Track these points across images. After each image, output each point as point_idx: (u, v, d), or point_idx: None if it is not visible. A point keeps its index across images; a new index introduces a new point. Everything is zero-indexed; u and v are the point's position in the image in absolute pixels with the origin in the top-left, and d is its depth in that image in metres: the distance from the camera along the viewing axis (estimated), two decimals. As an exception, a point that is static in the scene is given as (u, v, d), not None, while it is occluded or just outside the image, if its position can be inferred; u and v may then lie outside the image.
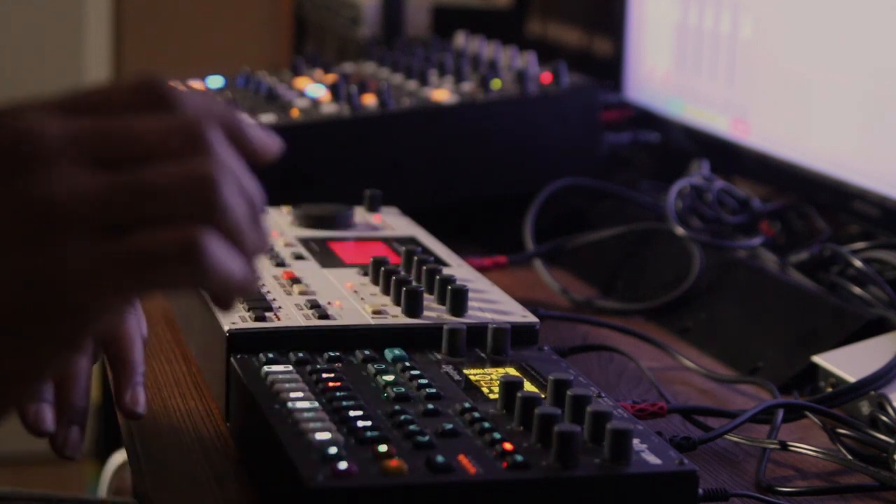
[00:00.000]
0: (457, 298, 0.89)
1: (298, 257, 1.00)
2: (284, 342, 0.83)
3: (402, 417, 0.72)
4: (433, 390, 0.77)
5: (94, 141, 0.51)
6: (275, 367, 0.79)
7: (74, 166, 0.50)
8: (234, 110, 0.56)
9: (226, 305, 0.53)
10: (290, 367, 0.80)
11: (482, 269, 1.10)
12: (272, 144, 0.58)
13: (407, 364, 0.81)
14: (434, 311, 0.89)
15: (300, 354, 0.82)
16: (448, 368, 0.82)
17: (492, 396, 0.77)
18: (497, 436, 0.70)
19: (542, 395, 0.74)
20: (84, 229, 0.50)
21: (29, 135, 0.50)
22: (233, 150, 0.54)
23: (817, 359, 1.00)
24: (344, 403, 0.74)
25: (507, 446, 0.69)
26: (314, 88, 1.41)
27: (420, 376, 0.79)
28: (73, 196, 0.50)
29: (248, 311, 0.86)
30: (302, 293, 0.91)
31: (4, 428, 0.91)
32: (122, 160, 0.51)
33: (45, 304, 0.51)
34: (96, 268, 0.50)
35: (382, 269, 0.93)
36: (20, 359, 0.52)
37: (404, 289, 0.88)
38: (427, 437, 0.69)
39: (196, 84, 1.49)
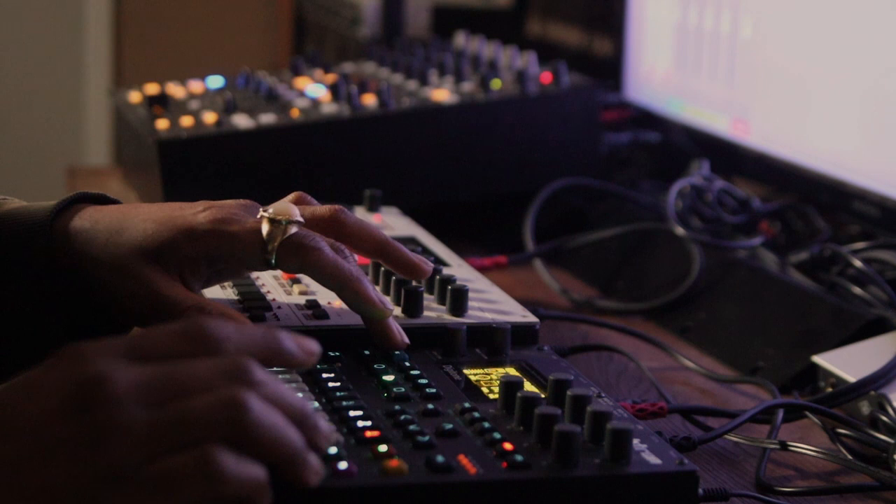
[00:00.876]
0: (457, 298, 0.89)
1: (298, 257, 1.00)
2: (284, 342, 0.83)
3: (402, 417, 0.72)
4: (433, 390, 0.77)
5: (151, 388, 0.59)
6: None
7: (132, 408, 0.58)
8: (271, 332, 0.64)
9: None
10: (290, 367, 0.80)
11: (482, 269, 1.10)
12: (309, 349, 0.65)
13: (407, 364, 0.81)
14: (434, 311, 0.89)
15: (300, 354, 0.81)
16: (448, 368, 0.82)
17: (492, 396, 0.77)
18: (497, 436, 0.70)
19: (542, 395, 0.74)
20: (133, 463, 0.57)
21: (101, 381, 0.58)
22: (270, 370, 0.63)
23: (817, 359, 1.00)
24: (344, 403, 0.74)
25: (507, 446, 0.69)
26: (314, 88, 1.41)
27: (420, 376, 0.79)
28: (124, 432, 0.57)
29: (248, 311, 0.86)
30: (301, 293, 0.91)
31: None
32: (171, 398, 0.59)
33: None
34: (132, 494, 0.57)
35: (382, 269, 0.93)
36: None
37: (404, 289, 0.88)
38: (427, 437, 0.69)
39: (196, 84, 1.50)
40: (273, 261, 0.81)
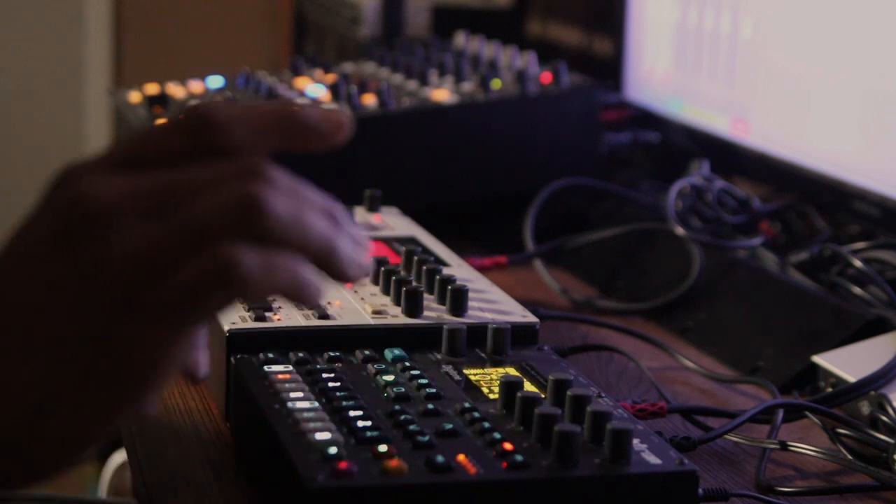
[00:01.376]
0: (457, 298, 0.89)
1: (298, 257, 1.00)
2: (284, 342, 0.83)
3: (402, 417, 0.72)
4: (433, 390, 0.77)
5: (148, 200, 0.53)
6: (275, 367, 0.79)
7: (131, 225, 0.52)
8: (286, 106, 0.57)
9: (306, 304, 0.54)
10: (290, 367, 0.80)
11: (482, 269, 1.10)
12: (337, 119, 0.58)
13: (407, 364, 0.81)
14: (434, 311, 0.89)
15: (300, 354, 0.82)
16: (448, 368, 0.82)
17: (492, 396, 0.77)
18: (497, 436, 0.70)
19: (542, 395, 0.74)
20: (140, 284, 0.52)
21: (89, 201, 0.52)
22: (294, 148, 0.56)
23: (817, 359, 1.00)
24: (344, 403, 0.74)
25: (507, 446, 0.69)
26: (314, 88, 1.41)
27: (420, 376, 0.79)
28: (126, 254, 0.52)
29: (248, 311, 0.86)
30: (302, 293, 0.90)
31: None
32: (173, 205, 0.53)
33: (116, 354, 0.53)
34: (150, 317, 0.52)
35: (382, 269, 0.93)
36: (105, 410, 0.55)
37: (404, 289, 0.88)
38: (427, 437, 0.69)
39: (196, 84, 1.50)
40: None
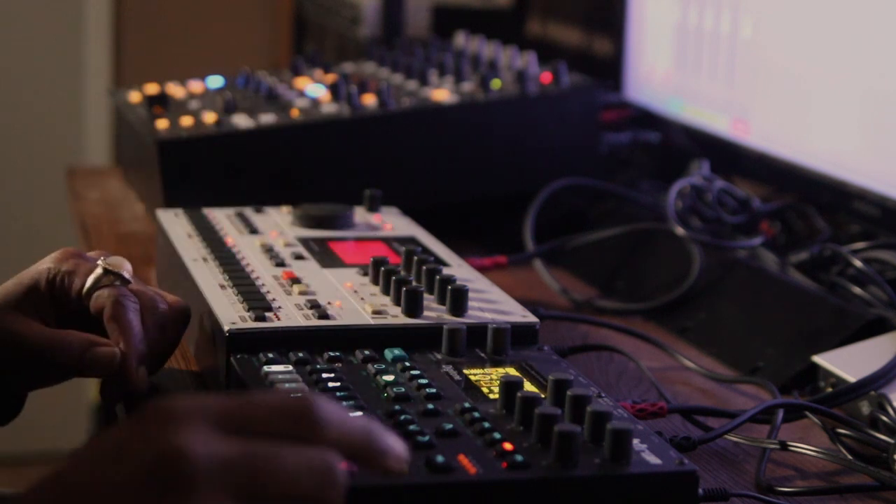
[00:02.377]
0: (457, 298, 0.89)
1: (298, 257, 1.00)
2: (284, 342, 0.83)
3: (402, 417, 0.72)
4: (433, 390, 0.77)
5: (241, 474, 0.57)
6: (275, 367, 0.79)
7: (214, 496, 0.56)
8: (371, 427, 0.62)
9: None
10: (290, 367, 0.80)
11: (482, 269, 1.10)
12: (401, 455, 0.62)
13: (407, 364, 0.81)
14: (434, 311, 0.89)
15: (300, 354, 0.82)
16: (448, 368, 0.82)
17: (492, 396, 0.77)
18: (497, 436, 0.70)
19: (542, 395, 0.74)
20: None
21: (183, 458, 0.56)
22: (363, 464, 0.61)
23: (817, 359, 1.00)
24: (344, 403, 0.74)
25: (507, 446, 0.69)
26: (314, 88, 1.41)
27: (420, 376, 0.79)
28: None
29: (248, 311, 0.86)
30: (302, 293, 0.91)
31: (4, 428, 0.91)
32: (259, 494, 0.57)
33: None
34: None
35: (382, 269, 0.93)
36: None
37: (404, 289, 0.88)
38: (427, 437, 0.69)
39: (196, 84, 1.50)
40: (87, 303, 0.87)
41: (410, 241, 1.06)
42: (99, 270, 0.88)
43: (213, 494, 0.56)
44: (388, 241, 1.06)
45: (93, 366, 0.85)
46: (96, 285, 0.87)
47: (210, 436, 0.57)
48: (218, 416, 0.58)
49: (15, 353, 0.86)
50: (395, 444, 0.62)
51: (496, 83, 1.38)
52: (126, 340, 0.85)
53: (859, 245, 1.15)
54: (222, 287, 0.91)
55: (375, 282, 0.94)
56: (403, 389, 0.77)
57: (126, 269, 0.89)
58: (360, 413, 0.63)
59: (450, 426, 0.71)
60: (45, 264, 0.90)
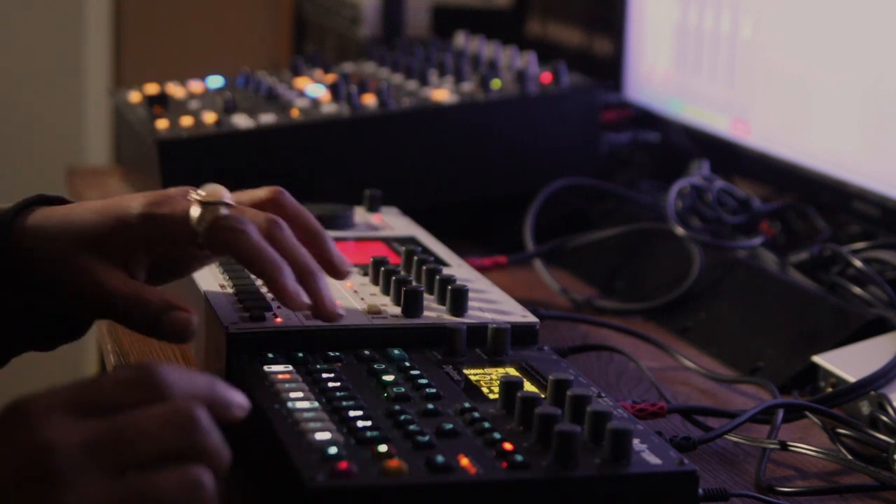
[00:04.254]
0: (457, 298, 0.89)
1: (298, 257, 1.00)
2: (284, 342, 0.83)
3: (402, 417, 0.72)
4: (433, 390, 0.77)
5: (105, 450, 0.59)
6: (275, 367, 0.79)
7: (87, 478, 0.58)
8: (214, 381, 0.64)
9: None
10: (290, 367, 0.80)
11: (482, 269, 1.10)
12: (242, 404, 0.65)
13: (407, 364, 0.81)
14: (434, 311, 0.89)
15: (300, 354, 0.82)
16: (448, 368, 0.82)
17: (492, 396, 0.77)
18: (497, 436, 0.70)
19: (542, 395, 0.74)
20: None
21: (47, 453, 0.58)
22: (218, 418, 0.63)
23: (817, 359, 1.00)
24: (344, 403, 0.74)
25: (507, 446, 0.69)
26: (314, 88, 1.41)
27: (420, 376, 0.79)
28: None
29: (248, 311, 0.86)
30: (302, 293, 0.90)
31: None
32: (128, 463, 0.59)
33: None
34: None
35: (382, 269, 0.93)
36: None
37: (404, 289, 0.88)
38: (427, 437, 0.69)
39: (196, 84, 1.49)
40: (201, 241, 0.82)
41: (410, 241, 1.06)
42: (197, 208, 0.82)
43: (86, 477, 0.58)
44: (388, 241, 1.06)
45: (168, 330, 0.81)
46: (204, 222, 0.82)
47: (67, 423, 0.59)
48: (69, 403, 0.60)
49: (91, 300, 0.82)
50: (237, 396, 0.64)
51: (496, 83, 1.38)
52: (284, 292, 0.81)
53: (859, 245, 1.15)
54: (222, 287, 0.91)
55: (375, 282, 0.94)
56: (403, 389, 0.77)
57: (225, 194, 0.83)
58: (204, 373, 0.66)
59: (450, 426, 0.71)
60: (133, 202, 0.84)
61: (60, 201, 0.88)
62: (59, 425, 0.59)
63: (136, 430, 0.60)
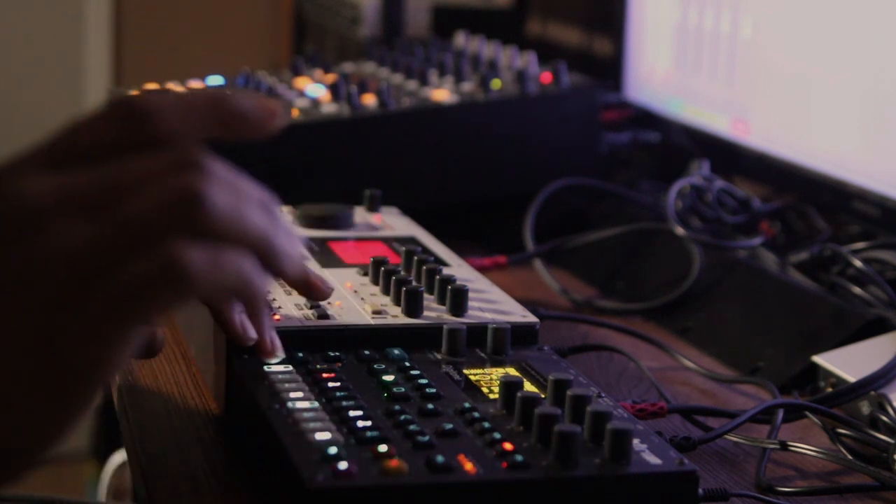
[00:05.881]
0: (457, 298, 0.89)
1: (298, 257, 1.00)
2: (284, 342, 0.83)
3: (402, 417, 0.72)
4: (433, 390, 0.77)
5: (83, 197, 0.52)
6: (275, 367, 0.79)
7: (66, 224, 0.51)
8: (218, 93, 0.56)
9: (252, 300, 0.55)
10: (290, 367, 0.80)
11: (482, 269, 1.10)
12: (270, 109, 0.57)
13: (407, 364, 0.81)
14: (434, 311, 0.89)
15: (300, 354, 0.82)
16: (448, 368, 0.82)
17: (492, 396, 0.77)
18: (497, 436, 0.70)
19: (542, 395, 0.74)
20: (81, 284, 0.51)
21: (19, 201, 0.51)
22: (227, 137, 0.55)
23: (817, 359, 1.00)
24: (344, 403, 0.74)
25: (507, 446, 0.69)
26: (314, 88, 1.41)
27: (420, 376, 0.79)
28: (66, 255, 0.51)
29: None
30: (302, 293, 0.90)
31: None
32: (109, 203, 0.52)
33: (61, 356, 0.52)
34: (94, 318, 0.51)
35: (382, 269, 0.93)
36: (61, 407, 0.53)
37: (404, 289, 0.88)
38: (427, 437, 0.69)
39: (196, 84, 1.49)
40: None
41: (410, 241, 1.06)
42: None
43: (62, 224, 0.51)
44: (388, 241, 1.06)
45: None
46: None
47: (41, 175, 0.53)
48: (43, 156, 0.54)
49: None
50: (250, 101, 0.57)
51: (496, 83, 1.38)
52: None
53: (859, 245, 1.15)
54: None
55: (375, 282, 0.94)
56: (403, 389, 0.77)
57: None
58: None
59: (450, 426, 0.71)
60: None
61: None
62: (31, 179, 0.52)
63: (125, 171, 0.52)
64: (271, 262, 0.55)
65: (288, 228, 0.57)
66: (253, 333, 0.76)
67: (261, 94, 0.56)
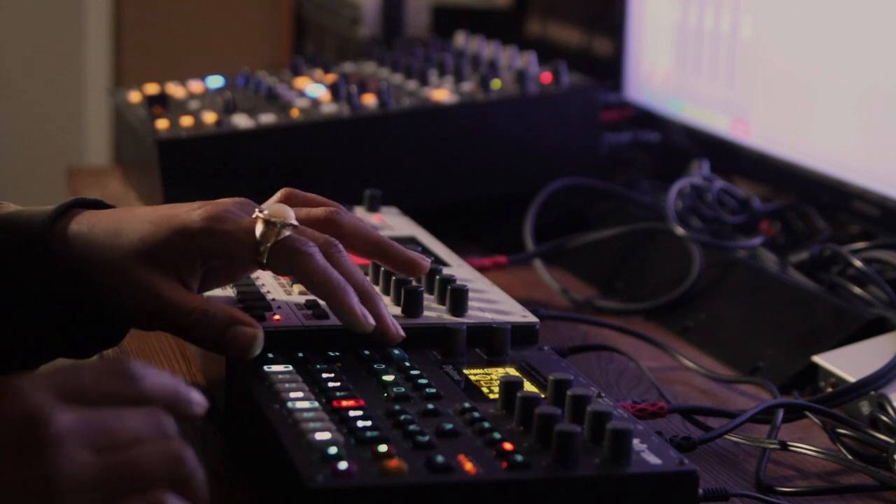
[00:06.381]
0: (457, 298, 0.89)
1: (298, 257, 1.00)
2: (284, 342, 0.83)
3: (402, 417, 0.72)
4: (433, 390, 0.77)
5: (90, 431, 0.60)
6: (275, 367, 0.79)
7: (75, 451, 0.59)
8: (178, 382, 0.66)
9: None
10: (290, 367, 0.80)
11: (482, 269, 1.10)
12: (202, 401, 0.67)
13: (407, 364, 0.81)
14: (434, 311, 0.89)
15: (300, 354, 0.82)
16: (448, 368, 0.82)
17: (492, 396, 0.77)
18: (497, 436, 0.70)
19: (542, 395, 0.74)
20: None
21: (41, 420, 0.59)
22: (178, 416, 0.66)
23: (817, 359, 1.00)
24: (344, 403, 0.74)
25: (507, 446, 0.69)
26: (314, 88, 1.41)
27: (420, 376, 0.79)
28: (74, 478, 0.59)
29: (248, 311, 0.86)
30: (302, 293, 0.90)
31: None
32: (111, 445, 0.61)
33: None
34: None
35: (382, 268, 0.93)
36: None
37: (404, 289, 0.88)
38: (427, 437, 0.69)
39: (196, 84, 1.50)
40: (265, 261, 0.80)
41: (410, 241, 1.06)
42: (260, 226, 0.81)
43: (75, 448, 0.59)
44: (388, 241, 1.06)
45: (232, 346, 0.79)
46: (266, 241, 0.80)
47: (53, 401, 0.60)
48: (58, 387, 0.61)
49: (150, 311, 0.81)
50: (196, 395, 0.66)
51: (496, 83, 1.38)
52: (352, 313, 0.81)
53: (859, 245, 1.15)
54: (222, 287, 0.91)
55: (375, 282, 0.94)
56: (403, 389, 0.77)
57: (290, 215, 0.82)
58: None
59: (450, 426, 0.71)
60: (191, 214, 0.81)
61: (97, 205, 0.87)
62: (47, 400, 0.60)
63: (120, 421, 0.62)
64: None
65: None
66: (372, 320, 0.82)
67: (200, 393, 0.68)
